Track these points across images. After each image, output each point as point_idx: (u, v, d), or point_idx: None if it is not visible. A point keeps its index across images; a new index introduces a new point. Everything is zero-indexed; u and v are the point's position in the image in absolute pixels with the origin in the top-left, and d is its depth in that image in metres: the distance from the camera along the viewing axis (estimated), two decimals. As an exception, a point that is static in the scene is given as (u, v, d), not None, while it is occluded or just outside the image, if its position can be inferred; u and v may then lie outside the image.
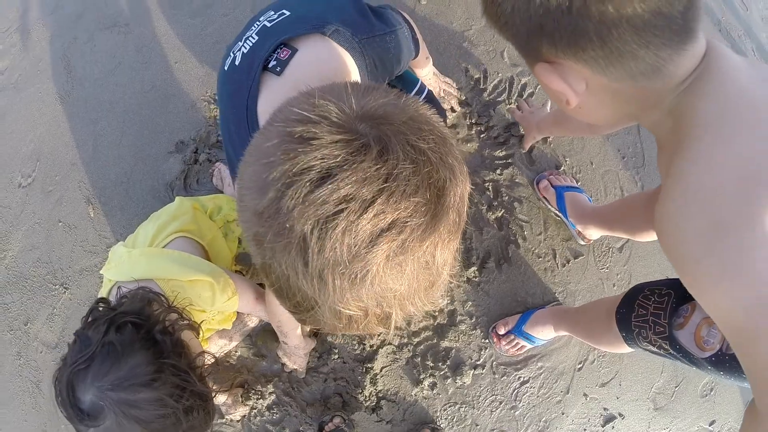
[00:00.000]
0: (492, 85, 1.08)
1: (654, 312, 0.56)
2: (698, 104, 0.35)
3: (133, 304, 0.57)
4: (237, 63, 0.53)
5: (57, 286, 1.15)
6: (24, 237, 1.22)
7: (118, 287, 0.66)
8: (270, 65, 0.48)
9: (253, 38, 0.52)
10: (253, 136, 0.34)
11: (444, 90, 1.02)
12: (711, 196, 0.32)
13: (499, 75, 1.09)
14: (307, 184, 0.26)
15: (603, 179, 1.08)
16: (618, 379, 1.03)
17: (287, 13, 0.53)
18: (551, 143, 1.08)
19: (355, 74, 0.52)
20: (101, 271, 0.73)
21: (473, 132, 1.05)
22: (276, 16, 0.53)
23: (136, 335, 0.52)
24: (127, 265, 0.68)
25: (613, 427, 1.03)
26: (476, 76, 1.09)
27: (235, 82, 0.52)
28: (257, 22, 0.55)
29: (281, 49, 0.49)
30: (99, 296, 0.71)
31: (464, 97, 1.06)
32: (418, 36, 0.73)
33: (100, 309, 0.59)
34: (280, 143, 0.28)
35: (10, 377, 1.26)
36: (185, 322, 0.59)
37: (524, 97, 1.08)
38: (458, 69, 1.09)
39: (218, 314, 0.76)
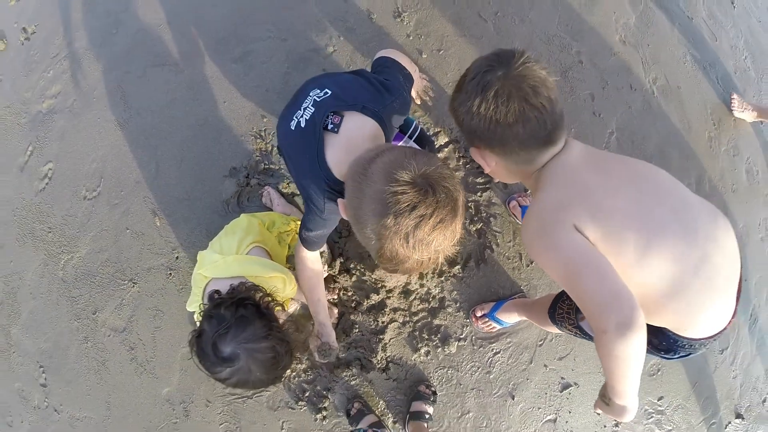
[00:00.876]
0: None
1: (567, 311, 0.91)
2: (545, 176, 0.67)
3: (245, 292, 0.86)
4: (302, 126, 0.80)
5: (126, 282, 1.42)
6: (92, 241, 1.46)
7: (214, 281, 0.95)
8: (329, 127, 0.76)
9: (311, 109, 0.80)
10: (365, 183, 0.60)
11: (424, 85, 1.31)
12: (541, 214, 0.65)
13: None
14: (406, 211, 0.56)
15: None
16: (573, 354, 1.40)
17: (329, 92, 0.81)
18: None
19: (379, 134, 0.80)
20: (196, 270, 1.01)
21: (460, 163, 1.39)
22: (322, 93, 0.81)
23: (254, 310, 0.82)
24: (222, 266, 0.97)
25: (570, 393, 1.38)
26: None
27: (305, 138, 0.79)
28: (309, 97, 0.82)
29: (333, 116, 0.77)
30: (193, 287, 1.00)
31: (455, 136, 1.39)
32: (409, 67, 0.97)
33: (217, 297, 0.88)
34: (388, 195, 0.57)
35: (76, 359, 1.51)
36: (275, 302, 0.90)
37: None
38: (449, 114, 1.41)
39: (284, 299, 1.06)
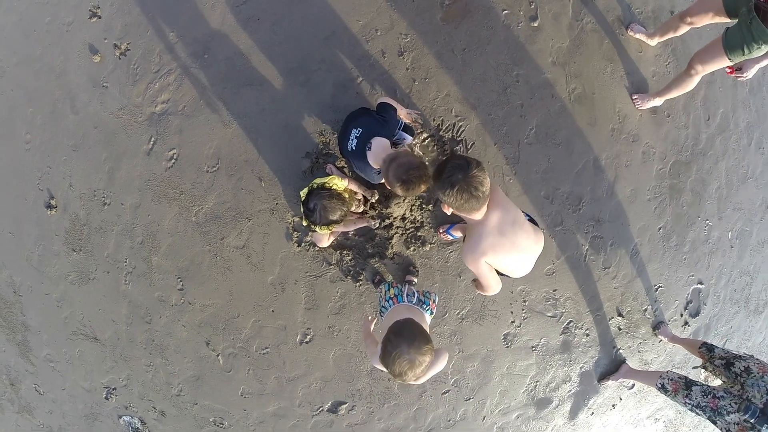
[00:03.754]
0: (445, 127, 2.45)
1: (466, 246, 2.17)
2: (475, 227, 1.44)
3: (329, 189, 1.88)
4: (354, 149, 1.84)
5: (243, 219, 2.41)
6: (216, 197, 2.41)
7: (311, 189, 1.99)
8: (367, 149, 1.80)
9: (354, 140, 1.84)
10: (389, 172, 1.61)
11: (409, 116, 2.30)
12: (472, 247, 1.43)
13: (449, 122, 2.44)
14: (401, 182, 1.61)
15: (494, 170, 2.65)
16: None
17: (361, 130, 1.84)
18: (469, 153, 2.61)
19: (387, 144, 1.81)
20: (301, 192, 2.06)
21: (435, 148, 2.48)
22: (358, 132, 1.83)
23: (334, 193, 1.83)
24: (318, 181, 2.01)
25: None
26: (437, 123, 2.46)
27: (358, 155, 1.84)
28: (352, 133, 1.84)
29: (369, 143, 1.81)
30: (302, 198, 2.06)
31: (432, 134, 2.49)
32: (397, 106, 2.03)
33: (314, 188, 1.92)
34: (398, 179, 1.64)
35: (207, 268, 2.51)
36: (337, 188, 1.90)
37: (459, 132, 2.56)
38: (430, 120, 2.45)
39: (347, 193, 2.07)
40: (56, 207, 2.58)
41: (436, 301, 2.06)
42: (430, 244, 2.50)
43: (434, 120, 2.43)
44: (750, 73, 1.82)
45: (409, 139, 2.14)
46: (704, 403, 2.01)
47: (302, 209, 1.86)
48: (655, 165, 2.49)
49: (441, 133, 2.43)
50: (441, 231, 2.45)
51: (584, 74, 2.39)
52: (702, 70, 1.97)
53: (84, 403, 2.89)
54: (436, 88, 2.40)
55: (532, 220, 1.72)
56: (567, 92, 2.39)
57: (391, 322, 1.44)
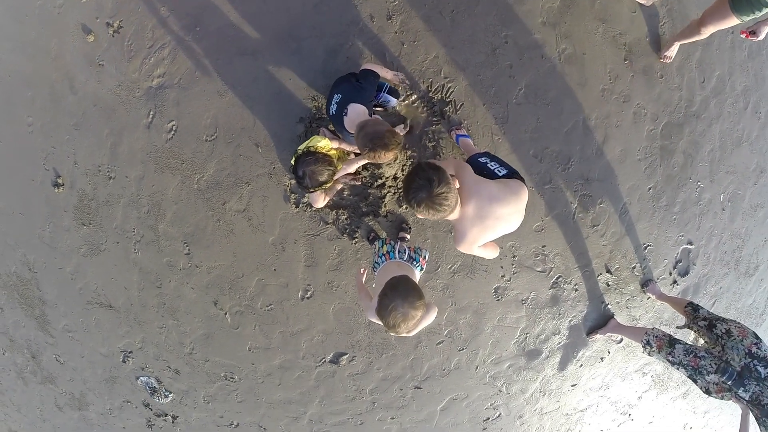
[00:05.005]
0: (434, 88, 2.53)
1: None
2: (453, 218, 1.50)
3: (314, 153, 2.00)
4: (334, 113, 1.94)
5: (243, 183, 2.55)
6: (216, 164, 2.53)
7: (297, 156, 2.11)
8: (344, 114, 1.89)
9: (334, 105, 1.94)
10: (360, 136, 1.73)
11: (396, 78, 2.36)
12: (458, 234, 1.54)
13: (437, 83, 2.50)
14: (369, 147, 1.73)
15: (482, 129, 2.65)
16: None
17: (340, 96, 1.92)
18: (458, 113, 2.68)
19: (363, 110, 1.88)
20: (292, 161, 2.20)
21: (424, 109, 2.56)
22: (338, 97, 1.92)
23: (319, 156, 1.88)
24: (302, 147, 2.12)
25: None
26: (426, 85, 2.53)
27: (337, 118, 1.93)
28: (333, 99, 1.94)
29: (345, 110, 1.90)
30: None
31: (421, 95, 2.57)
32: (382, 70, 2.14)
33: (300, 154, 2.04)
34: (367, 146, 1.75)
35: (212, 232, 2.65)
36: (327, 153, 2.04)
37: (448, 93, 2.64)
38: (419, 82, 2.53)
39: (332, 151, 2.17)
40: (63, 185, 2.72)
41: (427, 258, 2.19)
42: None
43: (423, 82, 2.52)
44: (762, 35, 1.78)
45: (393, 101, 2.24)
46: (686, 362, 2.06)
47: (293, 177, 1.98)
48: (647, 126, 2.48)
49: (430, 95, 2.52)
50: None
51: (575, 35, 2.36)
52: (712, 29, 1.97)
53: (103, 368, 3.11)
54: (425, 50, 2.47)
55: (509, 173, 1.70)
56: (557, 53, 2.37)
57: (384, 278, 1.53)
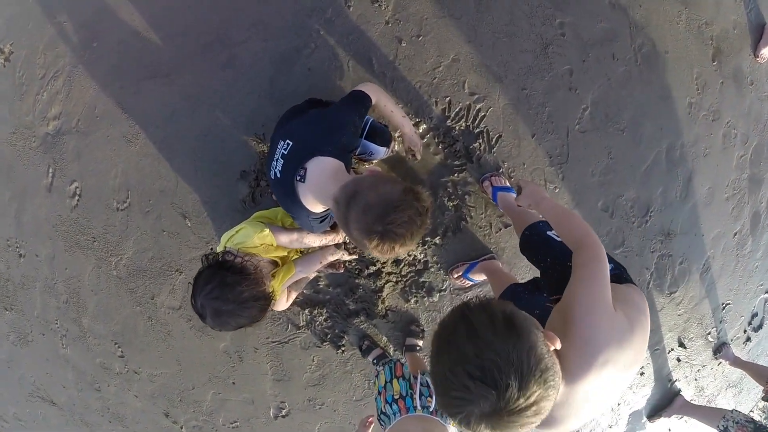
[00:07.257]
0: (454, 112, 1.56)
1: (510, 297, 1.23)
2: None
3: (228, 268, 1.00)
4: (279, 176, 1.00)
5: (173, 272, 1.73)
6: (134, 244, 1.74)
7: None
8: (297, 179, 0.96)
9: (280, 161, 1.00)
10: (349, 223, 0.84)
11: (415, 142, 1.44)
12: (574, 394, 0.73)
13: (460, 104, 1.54)
14: (367, 239, 0.83)
15: (531, 175, 1.63)
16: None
17: (290, 143, 0.98)
18: (494, 152, 1.59)
19: (338, 165, 0.96)
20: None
21: (440, 147, 1.58)
22: (286, 146, 0.98)
23: (245, 268, 1.00)
24: (226, 240, 1.21)
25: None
26: (442, 107, 1.55)
27: (284, 187, 1.00)
28: (277, 150, 1.01)
29: (300, 169, 0.96)
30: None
31: (433, 125, 1.54)
32: (395, 108, 1.24)
33: (204, 269, 1.04)
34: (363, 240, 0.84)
35: (144, 333, 1.89)
36: (243, 259, 1.03)
37: (478, 119, 1.56)
38: (429, 102, 1.54)
39: (268, 246, 1.19)
40: (-23, 260, 2.09)
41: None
42: (440, 292, 1.67)
43: (437, 102, 1.50)
44: None
45: (381, 152, 1.28)
46: None
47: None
48: (737, 151, 1.84)
49: (449, 122, 1.51)
50: (455, 274, 1.59)
51: (653, 24, 1.63)
52: None
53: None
54: (436, 50, 1.50)
55: (618, 271, 1.01)
56: (632, 50, 1.62)
57: None
